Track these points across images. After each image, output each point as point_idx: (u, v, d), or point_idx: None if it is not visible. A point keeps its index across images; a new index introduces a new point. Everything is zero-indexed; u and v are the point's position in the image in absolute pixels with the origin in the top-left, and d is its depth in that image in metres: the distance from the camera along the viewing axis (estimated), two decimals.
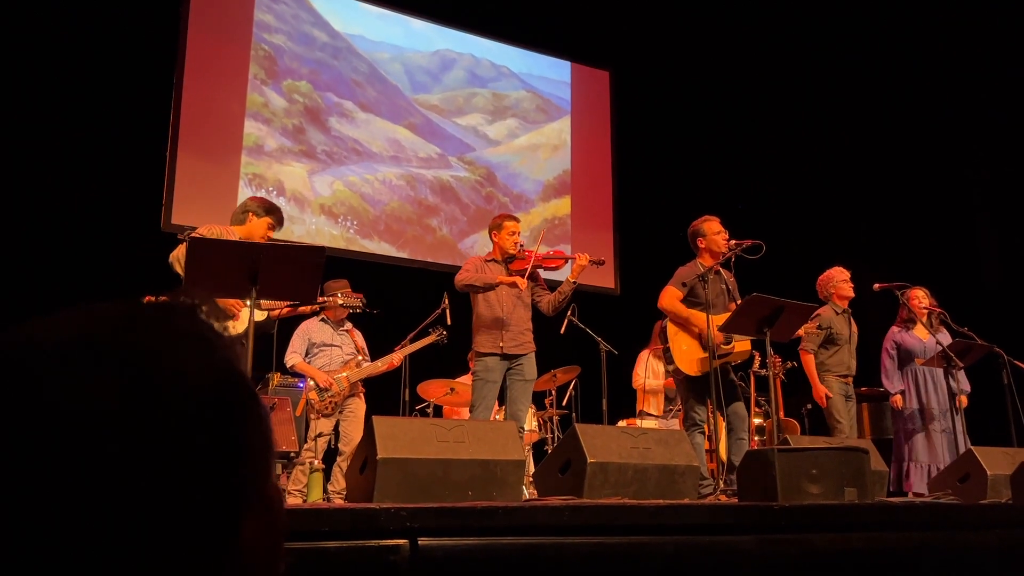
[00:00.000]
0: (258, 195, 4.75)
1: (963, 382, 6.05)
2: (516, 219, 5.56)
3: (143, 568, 0.46)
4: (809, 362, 5.98)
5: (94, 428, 0.46)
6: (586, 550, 2.42)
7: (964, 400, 5.99)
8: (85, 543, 0.45)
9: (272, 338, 5.46)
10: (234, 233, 4.32)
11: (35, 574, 0.45)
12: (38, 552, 0.45)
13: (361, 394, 5.71)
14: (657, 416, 7.05)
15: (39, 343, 0.49)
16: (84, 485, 0.45)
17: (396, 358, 5.81)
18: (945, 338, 6.03)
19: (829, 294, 6.15)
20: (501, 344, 5.10)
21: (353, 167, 8.13)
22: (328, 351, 5.73)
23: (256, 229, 4.38)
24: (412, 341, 5.97)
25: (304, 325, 5.77)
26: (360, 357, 5.78)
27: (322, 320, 5.79)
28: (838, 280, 6.13)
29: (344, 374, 5.61)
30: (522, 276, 5.17)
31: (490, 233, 5.50)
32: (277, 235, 7.33)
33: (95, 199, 6.48)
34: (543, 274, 5.55)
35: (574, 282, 5.26)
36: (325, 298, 5.62)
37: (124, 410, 0.47)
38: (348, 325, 5.94)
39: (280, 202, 7.60)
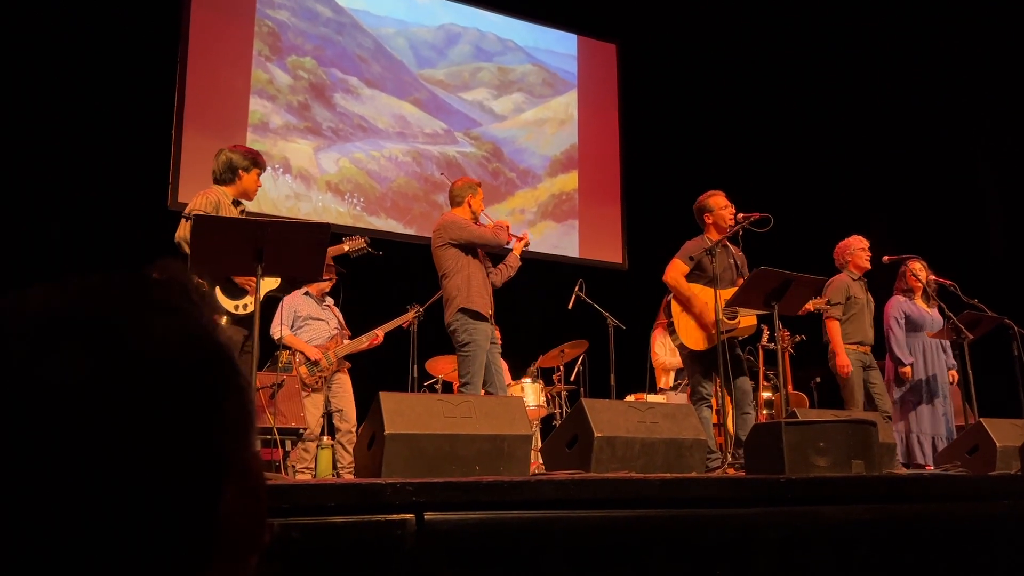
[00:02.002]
0: (239, 146, 4.50)
1: (951, 356, 6.07)
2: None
3: (122, 536, 0.46)
4: (835, 329, 5.83)
5: (68, 397, 0.46)
6: (593, 524, 2.43)
7: (955, 375, 6.02)
8: (61, 516, 0.45)
9: (278, 316, 5.47)
10: (227, 195, 4.16)
11: (15, 543, 0.45)
12: (16, 523, 0.45)
13: (346, 369, 5.71)
14: (666, 390, 7.05)
15: (11, 315, 0.49)
16: (57, 455, 0.45)
17: (380, 334, 5.76)
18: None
19: (845, 262, 6.09)
20: (490, 312, 4.99)
21: (359, 143, 8.10)
22: (315, 325, 5.73)
23: (249, 185, 4.21)
24: (417, 318, 5.95)
25: (289, 299, 5.72)
26: (345, 333, 5.80)
27: (305, 294, 5.79)
28: (855, 248, 6.07)
29: (332, 349, 5.60)
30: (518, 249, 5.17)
31: (463, 197, 5.21)
32: (285, 212, 7.36)
33: (101, 179, 6.48)
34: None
35: (519, 258, 5.25)
36: (330, 277, 5.65)
37: (97, 379, 0.47)
38: (329, 300, 5.94)
39: (286, 179, 7.60)
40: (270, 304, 4.87)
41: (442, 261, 5.05)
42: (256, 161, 4.25)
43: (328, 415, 5.72)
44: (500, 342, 5.11)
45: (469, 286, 4.94)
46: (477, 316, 4.89)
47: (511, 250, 5.29)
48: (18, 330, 0.48)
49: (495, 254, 5.29)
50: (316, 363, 5.52)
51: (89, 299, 0.50)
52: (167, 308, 0.52)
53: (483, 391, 4.89)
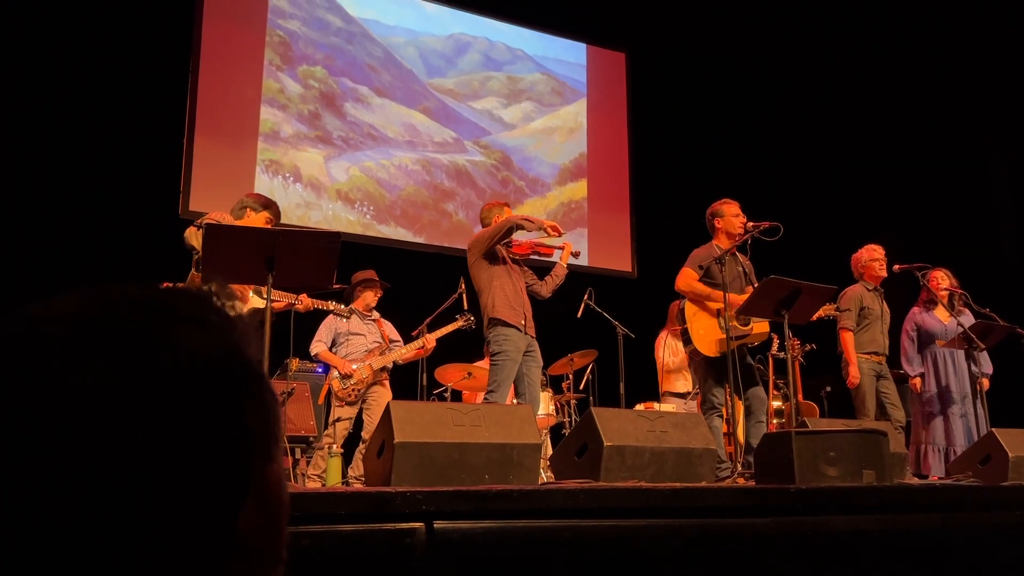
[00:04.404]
0: (254, 192, 4.72)
1: (985, 364, 5.94)
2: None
3: (137, 545, 0.46)
4: (848, 340, 5.83)
5: (94, 402, 0.47)
6: (603, 533, 2.43)
7: (986, 383, 5.87)
8: (81, 521, 0.45)
9: (289, 324, 5.48)
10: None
11: (32, 546, 0.45)
12: (36, 524, 0.45)
13: (386, 382, 5.77)
14: (678, 395, 7.00)
15: (44, 320, 0.50)
16: (80, 458, 0.46)
17: (430, 342, 5.82)
18: (968, 319, 5.90)
19: (861, 273, 6.08)
20: (523, 321, 4.97)
21: (369, 152, 8.13)
22: (353, 340, 5.82)
23: (255, 224, 4.38)
24: (430, 327, 5.98)
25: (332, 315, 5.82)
26: (385, 347, 5.84)
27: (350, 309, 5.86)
28: (867, 260, 6.05)
29: (367, 362, 5.67)
30: (521, 260, 5.17)
31: (491, 218, 5.24)
32: (295, 220, 7.38)
33: (114, 187, 6.52)
34: (536, 260, 5.40)
35: (567, 266, 5.30)
36: (341, 285, 5.68)
37: (125, 389, 0.47)
38: (375, 315, 6.00)
39: (297, 188, 7.63)
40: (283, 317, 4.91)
41: (475, 279, 5.13)
42: (266, 205, 4.42)
43: (348, 423, 5.74)
44: (534, 354, 5.05)
45: (497, 300, 4.98)
46: (508, 325, 4.91)
47: (556, 261, 5.35)
48: (51, 337, 0.49)
49: (542, 266, 5.34)
50: (348, 376, 5.58)
51: (121, 309, 0.51)
52: (197, 321, 0.53)
53: (515, 401, 4.91)
